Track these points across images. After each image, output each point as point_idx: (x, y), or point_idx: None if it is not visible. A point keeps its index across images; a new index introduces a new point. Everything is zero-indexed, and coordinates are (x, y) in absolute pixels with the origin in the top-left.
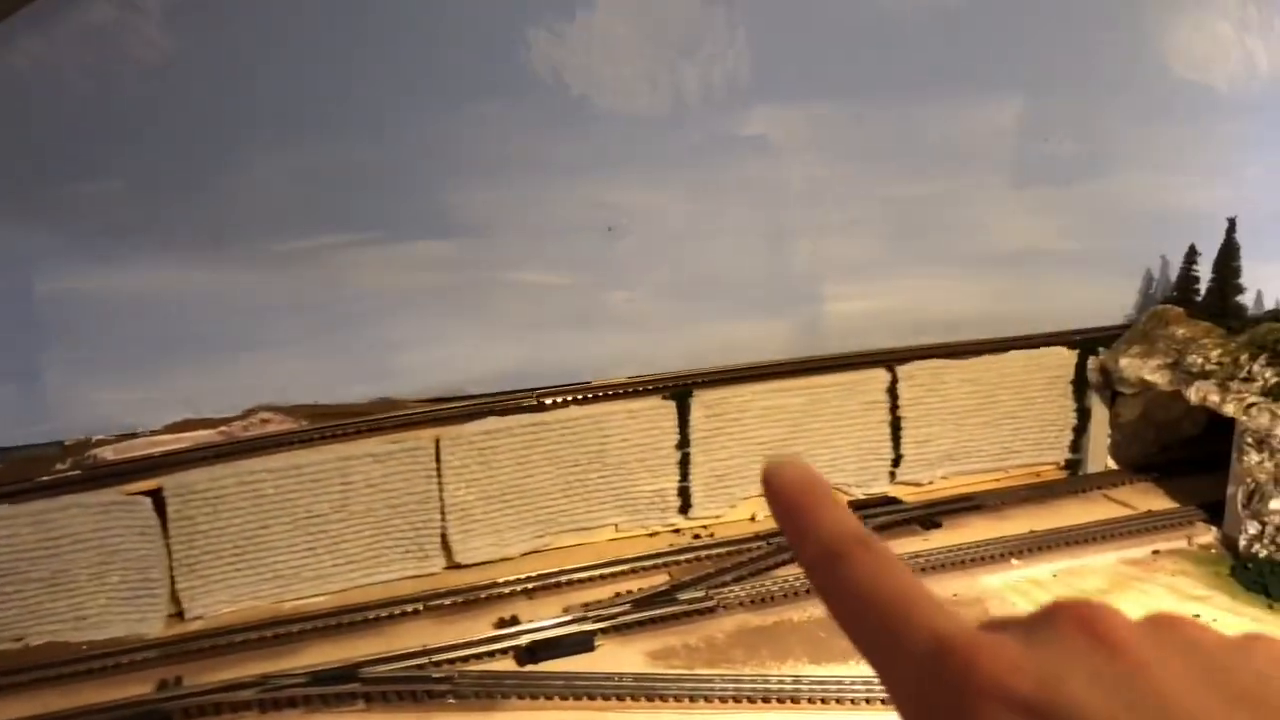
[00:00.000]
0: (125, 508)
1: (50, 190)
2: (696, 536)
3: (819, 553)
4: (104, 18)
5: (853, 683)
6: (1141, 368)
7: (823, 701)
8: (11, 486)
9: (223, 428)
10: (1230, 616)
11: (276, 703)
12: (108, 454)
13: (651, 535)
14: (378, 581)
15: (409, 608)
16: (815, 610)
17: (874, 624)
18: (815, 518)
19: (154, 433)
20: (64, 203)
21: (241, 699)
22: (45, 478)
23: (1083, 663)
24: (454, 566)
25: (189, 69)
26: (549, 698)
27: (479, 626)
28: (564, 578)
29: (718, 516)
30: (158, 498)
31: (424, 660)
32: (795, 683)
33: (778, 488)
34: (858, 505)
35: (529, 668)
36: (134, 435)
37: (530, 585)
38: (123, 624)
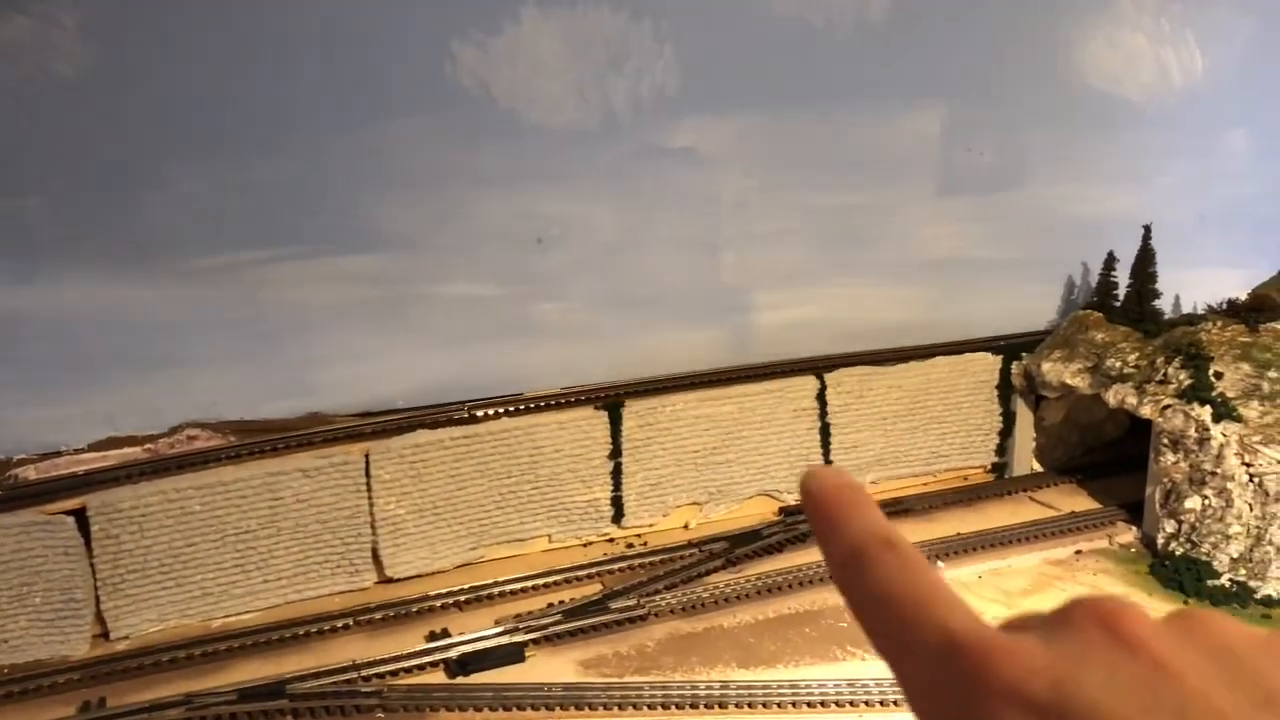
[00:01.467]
0: (47, 528)
1: None
2: (630, 545)
3: (844, 553)
4: (19, 31)
5: (779, 687)
6: (1063, 372)
7: (749, 706)
8: None
9: (148, 445)
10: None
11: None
12: (29, 473)
13: (585, 545)
14: (308, 597)
15: (339, 623)
16: (745, 616)
17: (890, 623)
18: (845, 519)
19: (77, 451)
20: None
21: (167, 718)
22: None
23: (1100, 662)
24: (385, 581)
25: (107, 83)
26: (479, 709)
27: (410, 640)
28: (496, 589)
29: (651, 525)
30: (81, 517)
31: (353, 675)
32: (723, 688)
33: (812, 491)
34: (788, 511)
35: (459, 680)
36: (57, 454)
37: (462, 598)
38: (46, 646)
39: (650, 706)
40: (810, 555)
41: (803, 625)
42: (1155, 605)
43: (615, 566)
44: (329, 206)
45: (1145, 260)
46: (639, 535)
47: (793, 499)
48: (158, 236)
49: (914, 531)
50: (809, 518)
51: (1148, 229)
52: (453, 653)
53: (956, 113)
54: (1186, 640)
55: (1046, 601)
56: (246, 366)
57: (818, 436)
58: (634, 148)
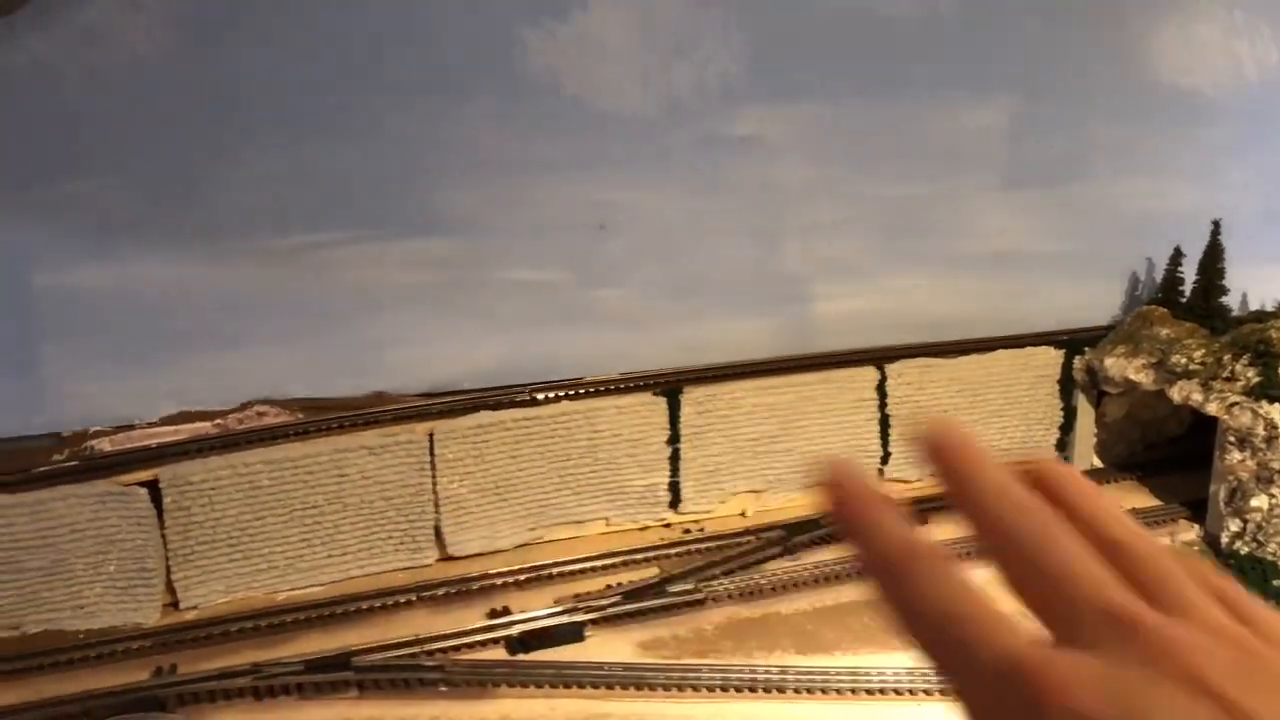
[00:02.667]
0: (121, 498)
1: (48, 187)
2: (686, 531)
3: (889, 557)
4: (105, 14)
5: (838, 673)
6: (1126, 367)
7: (808, 691)
8: (9, 477)
9: (218, 420)
10: None
11: (271, 690)
12: (105, 445)
13: (642, 529)
14: (371, 573)
15: (402, 598)
16: (802, 603)
17: (949, 641)
18: (886, 521)
19: (150, 425)
20: (61, 200)
21: (236, 686)
22: (43, 468)
23: (1169, 690)
24: (446, 558)
25: (184, 65)
26: (539, 686)
27: (471, 617)
28: (555, 570)
29: (708, 511)
30: (154, 489)
31: (416, 650)
32: (782, 673)
33: (846, 488)
34: None
35: (520, 657)
36: (130, 427)
37: (522, 577)
38: (119, 613)
39: (709, 688)
40: None
41: (861, 614)
42: None
43: (673, 551)
44: (396, 190)
45: (1213, 256)
46: (696, 521)
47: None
48: (230, 217)
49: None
50: (842, 515)
51: (1217, 224)
52: (513, 630)
53: (1022, 104)
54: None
55: None
56: (314, 345)
57: (877, 428)
58: (697, 135)
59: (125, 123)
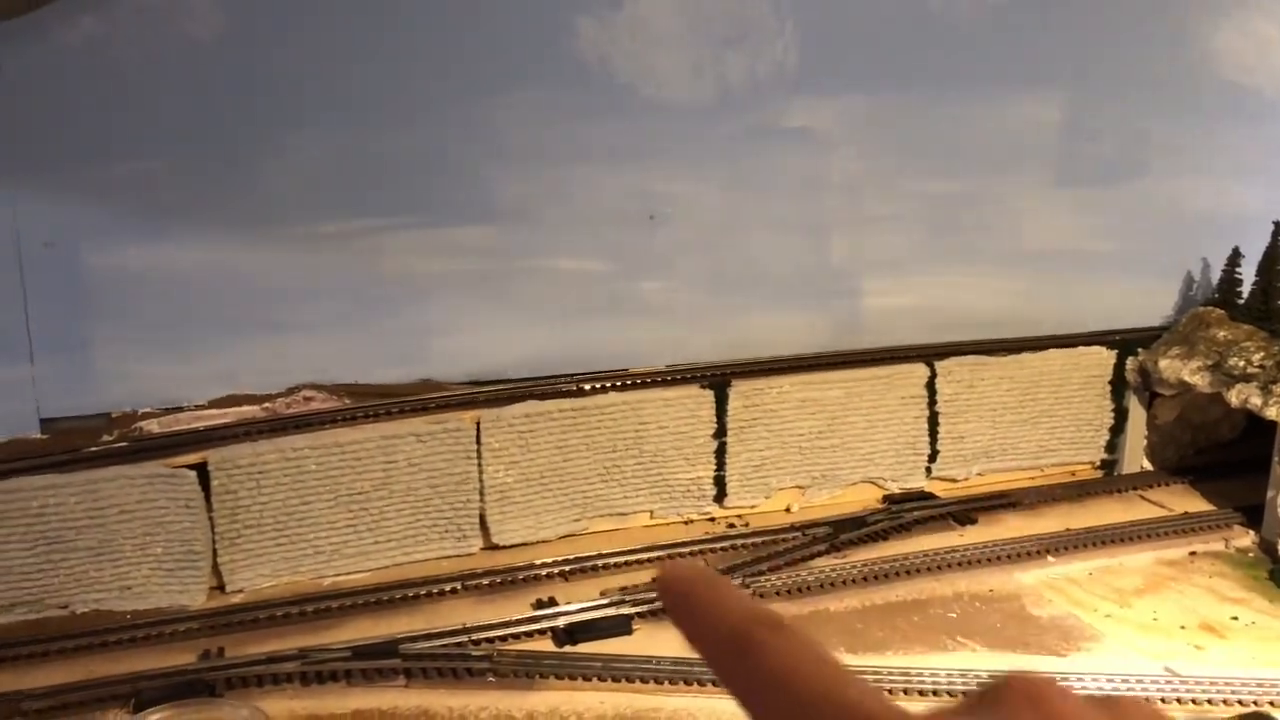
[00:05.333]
0: (170, 480)
1: (99, 169)
2: (731, 526)
3: (726, 638)
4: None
5: (890, 673)
6: (1181, 369)
7: None
8: (59, 457)
9: (266, 404)
10: (1269, 619)
11: (319, 676)
12: (153, 427)
13: (686, 523)
14: (417, 560)
15: (448, 586)
16: (851, 602)
17: (794, 709)
18: (720, 601)
19: (198, 407)
20: (113, 181)
21: (283, 671)
22: (92, 449)
23: None
24: (491, 547)
25: (238, 49)
26: (587, 679)
27: (517, 607)
28: (600, 561)
29: (753, 506)
30: (202, 471)
31: (464, 639)
32: None
33: (671, 579)
34: (893, 499)
35: (567, 649)
36: (179, 409)
37: (567, 568)
38: (166, 595)
39: None
40: (916, 545)
41: (910, 613)
42: (1278, 612)
43: (718, 545)
44: (446, 178)
45: (1274, 257)
46: (740, 516)
47: (899, 487)
48: (281, 202)
49: (1021, 526)
50: (672, 609)
51: (1278, 224)
52: (560, 621)
53: (1076, 101)
54: None
55: (1162, 602)
56: (362, 331)
57: (925, 425)
58: (748, 127)
59: (178, 106)
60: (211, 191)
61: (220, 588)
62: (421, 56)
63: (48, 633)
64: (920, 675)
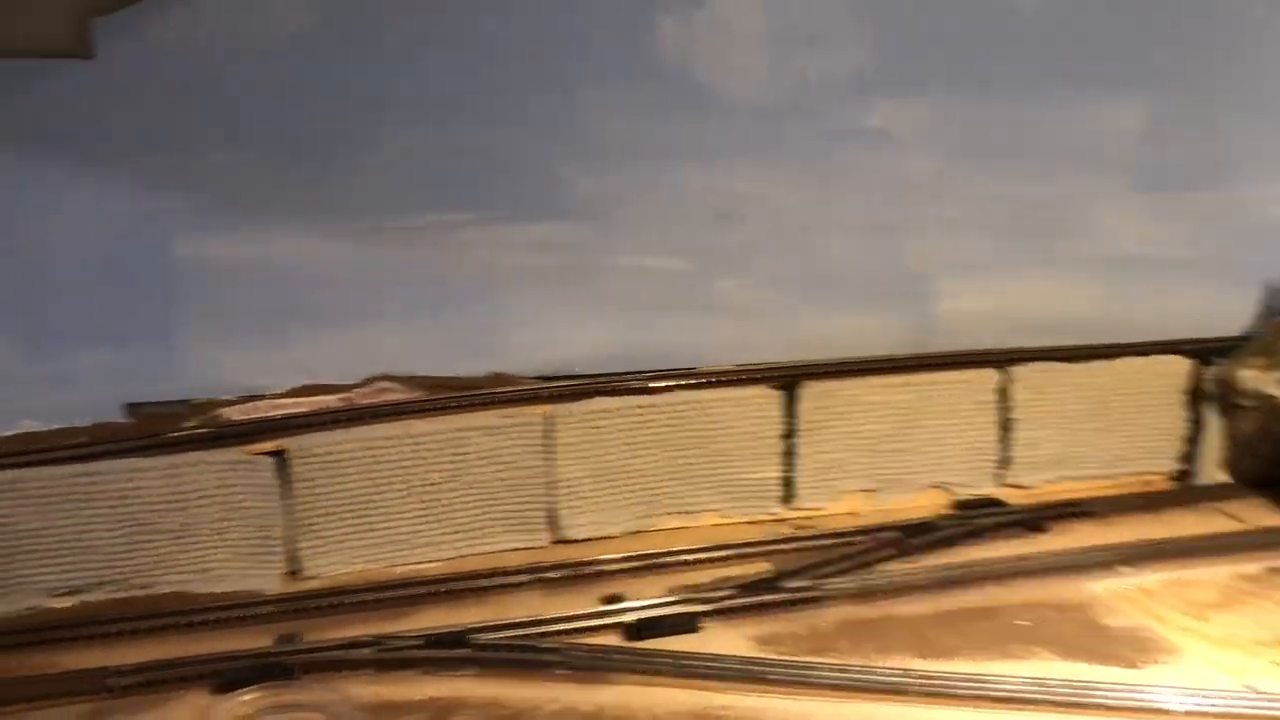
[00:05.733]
0: (249, 466)
1: (189, 159)
2: (798, 527)
3: None
4: None
5: (962, 680)
6: (1263, 381)
7: (930, 696)
8: (143, 441)
9: (343, 394)
10: None
11: (393, 663)
12: (233, 414)
13: (752, 523)
14: (485, 551)
15: (516, 579)
16: (921, 607)
17: None
18: None
19: (277, 396)
20: (203, 171)
21: (359, 657)
22: (174, 434)
23: None
24: (559, 541)
25: (327, 43)
26: (657, 675)
27: (584, 601)
28: (668, 559)
29: (820, 509)
30: (279, 458)
31: (534, 630)
32: (904, 675)
33: None
34: (963, 506)
35: (636, 644)
36: (259, 397)
37: (634, 564)
38: (242, 579)
39: (828, 687)
40: (986, 552)
41: (981, 620)
42: None
43: (785, 546)
44: (523, 174)
45: None
46: (808, 517)
47: (968, 493)
48: (364, 195)
49: (1093, 535)
50: None
51: None
52: (628, 617)
53: (1157, 104)
54: None
55: (1240, 617)
56: (437, 324)
57: (997, 431)
58: (825, 126)
59: (268, 98)
60: (297, 185)
61: (294, 573)
62: (505, 54)
63: (132, 611)
64: (992, 682)
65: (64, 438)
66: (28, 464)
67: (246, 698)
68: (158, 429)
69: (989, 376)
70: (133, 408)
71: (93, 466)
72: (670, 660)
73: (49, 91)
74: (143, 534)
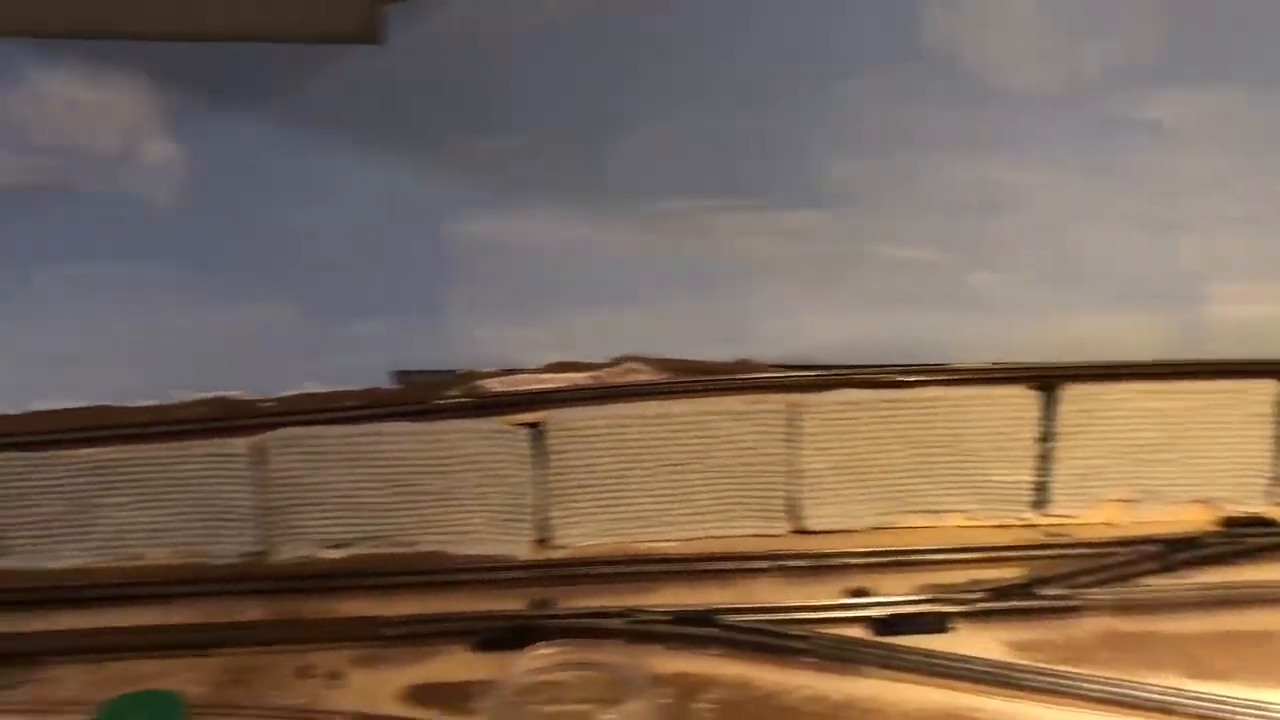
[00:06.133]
0: (508, 437)
1: (460, 143)
2: (1051, 534)
3: None
4: None
5: (1240, 706)
6: None
7: (1204, 719)
8: (412, 407)
9: (593, 372)
10: None
11: (641, 635)
12: (494, 386)
13: (1001, 527)
14: (725, 535)
15: (758, 564)
16: (1188, 625)
17: None
18: None
19: (534, 371)
20: (471, 155)
21: (610, 627)
22: (439, 402)
23: None
24: (798, 531)
25: (595, 29)
26: (907, 671)
27: (826, 592)
28: (914, 557)
29: (1074, 516)
30: (535, 431)
31: (779, 616)
32: (1175, 694)
33: None
34: (1233, 522)
35: (883, 639)
36: (517, 371)
37: (879, 560)
38: (496, 543)
39: (1087, 699)
40: (1262, 573)
41: (1257, 645)
42: None
43: (1039, 553)
44: (780, 160)
45: None
46: (1061, 524)
47: (1238, 510)
48: (622, 179)
49: None
50: None
51: None
52: (875, 612)
53: None
54: None
55: None
56: (687, 308)
57: (1270, 447)
58: (1097, 117)
59: (533, 85)
60: (562, 168)
61: (545, 541)
62: (768, 40)
63: (395, 566)
64: (1275, 710)
65: (338, 400)
66: (308, 422)
67: (542, 652)
68: (423, 397)
69: (1266, 388)
70: (401, 375)
71: (365, 428)
72: (921, 658)
73: (338, 76)
74: (407, 495)
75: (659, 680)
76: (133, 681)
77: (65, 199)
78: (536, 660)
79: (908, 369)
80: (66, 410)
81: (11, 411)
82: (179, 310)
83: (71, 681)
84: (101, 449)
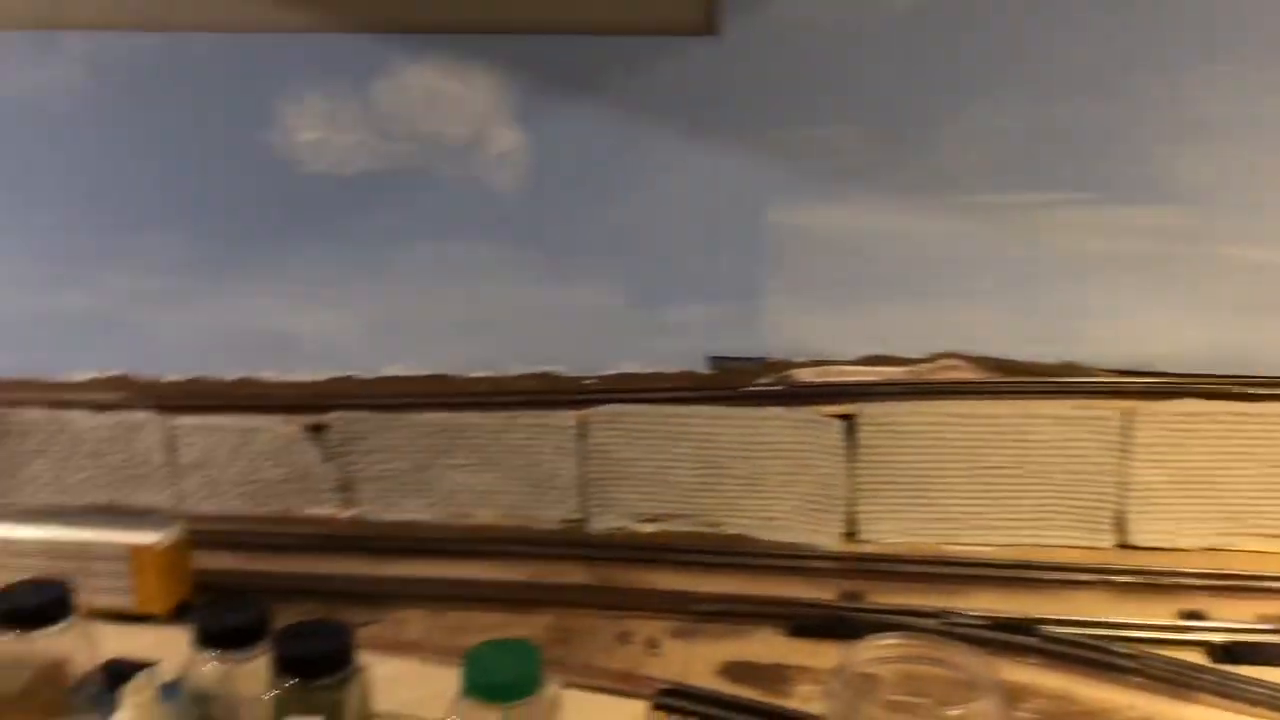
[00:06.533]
0: (819, 427)
1: (787, 132)
2: None
3: None
4: None
5: None
6: None
7: None
8: (723, 391)
9: (910, 367)
10: None
11: (956, 638)
12: (806, 375)
13: None
14: (1044, 544)
15: (1080, 576)
16: None
17: None
18: None
19: (847, 362)
20: (803, 144)
21: (923, 626)
22: (752, 388)
23: None
24: (1123, 545)
25: (935, 23)
26: (1248, 703)
27: (1157, 611)
28: (1256, 583)
29: None
30: (847, 423)
31: (1105, 632)
32: None
33: None
34: None
35: (1223, 667)
36: (829, 362)
37: (1216, 583)
38: (802, 532)
39: None
40: None
41: None
42: None
43: None
44: (1120, 154)
45: None
46: None
47: None
48: (954, 171)
49: None
50: None
51: None
52: (1214, 637)
53: None
54: None
55: None
56: (1011, 306)
57: None
58: None
59: (868, 74)
60: (892, 158)
61: (852, 535)
62: (1113, 29)
63: (703, 545)
64: None
65: (655, 381)
66: (628, 400)
67: (885, 642)
68: (736, 382)
69: None
70: (715, 360)
71: (680, 409)
72: (1266, 691)
73: (671, 67)
74: (717, 477)
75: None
76: (470, 630)
77: (420, 183)
78: (877, 650)
79: (1258, 380)
80: (412, 377)
81: (365, 375)
82: (514, 289)
83: (416, 624)
84: (442, 414)
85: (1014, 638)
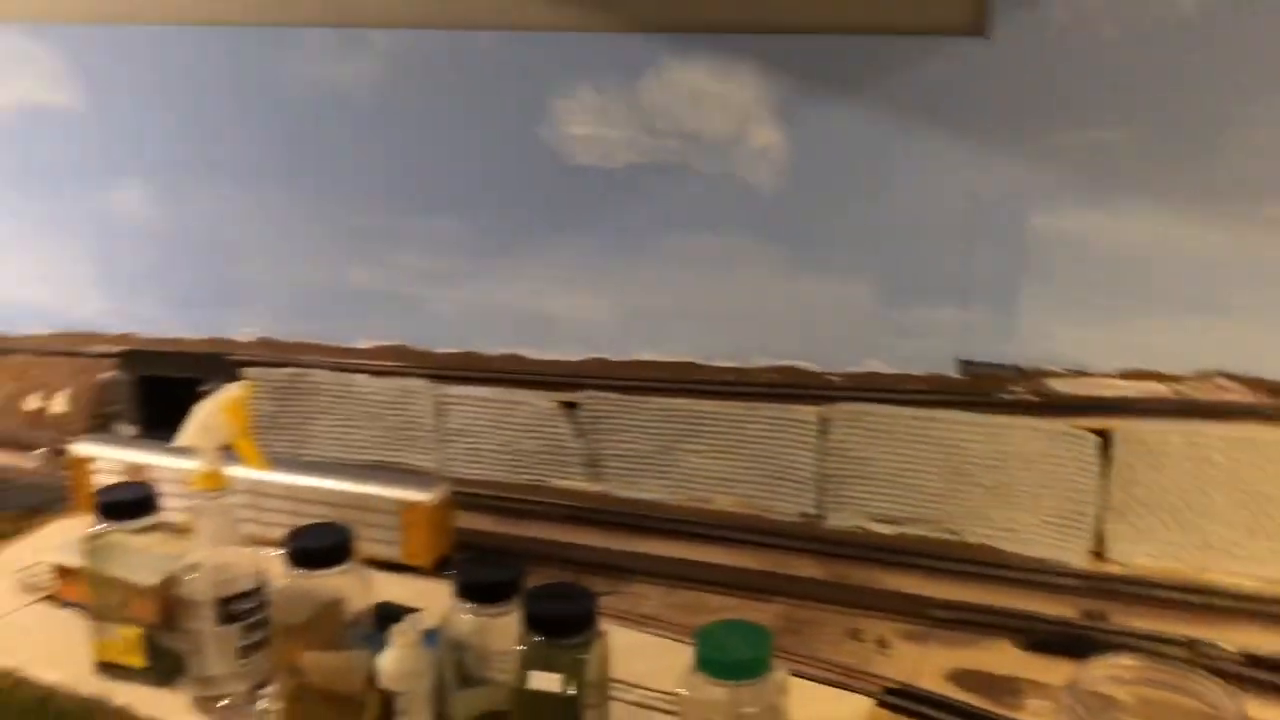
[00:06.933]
0: (1072, 440)
1: (1060, 135)
2: None
3: None
4: None
5: None
6: None
7: None
8: (974, 397)
9: (1173, 384)
10: None
11: (1205, 670)
12: (1060, 386)
13: None
14: None
15: None
16: None
17: None
18: None
19: (1106, 375)
20: (1069, 147)
21: (1167, 653)
22: (1003, 396)
23: None
24: None
25: (1223, 20)
26: None
27: None
28: None
29: None
30: (1102, 438)
31: None
32: None
33: None
34: None
35: None
36: (1086, 374)
37: None
38: (1048, 546)
39: None
40: None
41: None
42: None
43: None
44: None
45: None
46: None
47: None
48: (1235, 181)
49: None
50: None
51: None
52: None
53: None
54: None
55: None
56: None
57: None
58: None
59: (1145, 77)
60: (1167, 164)
61: (1099, 554)
62: None
63: (941, 551)
64: None
65: (902, 382)
66: (872, 399)
67: (1123, 662)
68: (986, 389)
69: None
70: (966, 365)
71: (926, 413)
72: None
73: (936, 68)
74: (961, 483)
75: None
76: (703, 611)
77: (680, 178)
78: (1113, 669)
79: None
80: (660, 362)
81: (615, 359)
82: (764, 283)
83: (652, 600)
84: (686, 400)
85: (1272, 677)
